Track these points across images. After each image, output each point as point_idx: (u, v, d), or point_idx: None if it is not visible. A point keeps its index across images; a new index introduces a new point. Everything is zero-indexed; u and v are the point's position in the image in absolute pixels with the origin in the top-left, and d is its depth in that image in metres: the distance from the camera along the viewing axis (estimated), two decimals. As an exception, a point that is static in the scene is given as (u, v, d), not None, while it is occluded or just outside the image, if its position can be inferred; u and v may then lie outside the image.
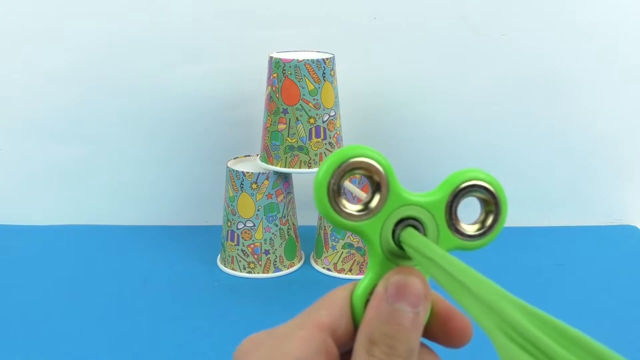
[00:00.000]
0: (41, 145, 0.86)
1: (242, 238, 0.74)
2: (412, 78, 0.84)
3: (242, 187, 0.72)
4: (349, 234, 0.73)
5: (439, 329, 0.25)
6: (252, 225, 0.73)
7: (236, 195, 0.73)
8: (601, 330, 0.63)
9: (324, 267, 0.76)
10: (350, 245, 0.74)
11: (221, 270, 0.76)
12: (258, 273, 0.74)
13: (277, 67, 0.70)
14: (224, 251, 0.76)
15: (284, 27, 0.81)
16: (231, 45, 0.82)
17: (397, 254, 0.25)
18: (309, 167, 0.72)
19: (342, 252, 0.74)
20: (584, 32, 0.83)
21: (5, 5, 0.79)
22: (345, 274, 0.75)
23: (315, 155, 0.72)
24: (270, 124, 0.72)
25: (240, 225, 0.73)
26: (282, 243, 0.75)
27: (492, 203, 0.26)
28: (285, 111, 0.71)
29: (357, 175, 0.25)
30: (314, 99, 0.70)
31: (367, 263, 0.74)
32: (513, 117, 0.87)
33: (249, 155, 0.80)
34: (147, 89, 0.83)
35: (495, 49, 0.83)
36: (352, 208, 0.25)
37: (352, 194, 0.72)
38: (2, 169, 0.86)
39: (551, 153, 0.89)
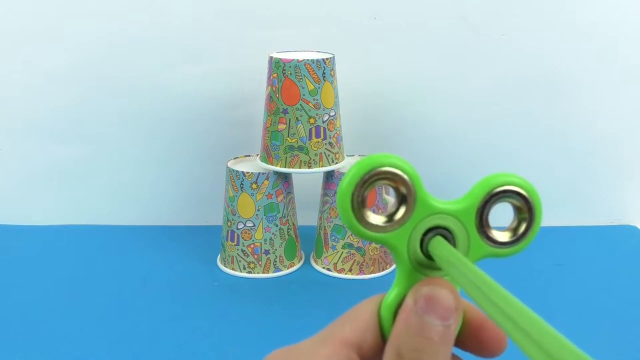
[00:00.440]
0: (41, 145, 0.86)
1: (242, 238, 0.74)
2: (412, 78, 0.84)
3: (242, 187, 0.72)
4: (348, 233, 0.73)
5: (472, 339, 0.24)
6: (252, 225, 0.73)
7: (236, 195, 0.73)
8: (601, 330, 0.63)
9: (324, 267, 0.76)
10: (350, 245, 0.74)
11: (221, 270, 0.76)
12: (258, 273, 0.74)
13: (277, 67, 0.70)
14: (224, 251, 0.76)
15: (284, 27, 0.81)
16: (231, 45, 0.82)
17: (426, 265, 0.24)
18: (309, 167, 0.72)
19: (342, 252, 0.74)
20: (584, 32, 0.83)
21: (5, 5, 0.79)
22: (345, 274, 0.75)
23: (316, 155, 0.72)
24: (270, 124, 0.72)
25: (240, 225, 0.73)
26: (282, 243, 0.75)
27: (525, 210, 0.25)
28: (285, 111, 0.71)
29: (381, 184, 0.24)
30: (314, 99, 0.70)
31: (366, 263, 0.74)
32: (513, 117, 0.87)
33: (249, 155, 0.80)
34: (147, 89, 0.83)
35: (495, 49, 0.83)
36: (376, 220, 0.24)
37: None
38: (2, 169, 0.86)
39: (551, 153, 0.89)
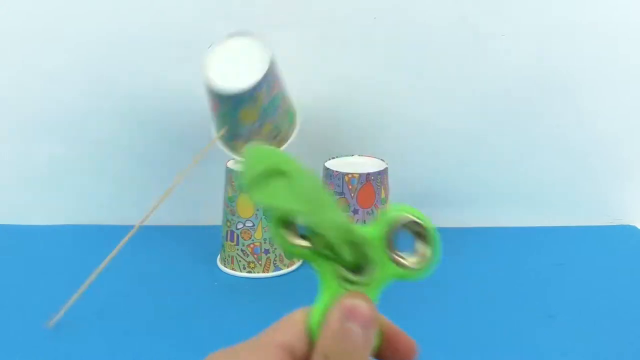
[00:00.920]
0: (41, 145, 0.86)
1: (242, 238, 0.74)
2: (412, 78, 0.84)
3: (242, 187, 0.72)
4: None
5: (387, 349, 0.28)
6: (251, 225, 0.73)
7: (235, 196, 0.73)
8: (601, 330, 0.63)
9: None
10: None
11: (221, 271, 0.76)
12: (258, 272, 0.74)
13: None
14: (224, 251, 0.76)
15: (284, 27, 0.81)
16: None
17: (349, 280, 0.27)
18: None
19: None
20: (584, 32, 0.83)
21: (5, 5, 0.79)
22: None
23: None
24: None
25: (240, 225, 0.73)
26: None
27: (424, 235, 0.28)
28: None
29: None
30: None
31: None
32: (513, 117, 0.87)
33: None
34: (147, 89, 0.83)
35: (495, 49, 0.83)
36: (300, 242, 0.28)
37: None
38: (2, 169, 0.86)
39: (551, 153, 0.89)
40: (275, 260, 0.75)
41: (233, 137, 0.72)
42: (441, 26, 0.82)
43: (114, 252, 0.62)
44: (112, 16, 0.80)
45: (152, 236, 0.85)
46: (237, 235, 0.74)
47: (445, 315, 0.65)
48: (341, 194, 0.73)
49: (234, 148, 0.74)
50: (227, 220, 0.74)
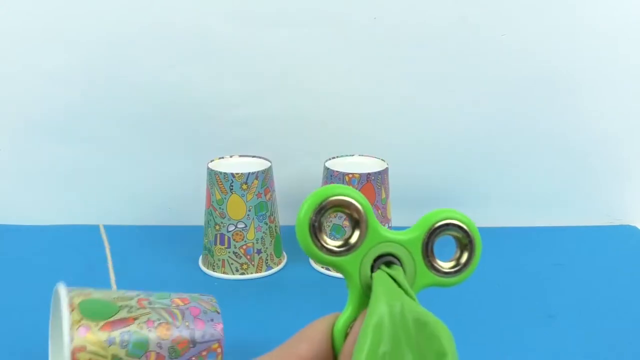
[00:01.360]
0: (41, 145, 0.86)
1: (234, 240, 0.73)
2: (412, 78, 0.84)
3: (232, 189, 0.71)
4: (348, 233, 0.73)
5: None
6: (243, 226, 0.73)
7: (225, 198, 0.72)
8: (601, 330, 0.63)
9: (323, 267, 0.76)
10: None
11: (210, 276, 0.75)
12: (252, 273, 0.74)
13: None
14: (212, 256, 0.75)
15: (284, 27, 0.81)
16: (231, 45, 0.82)
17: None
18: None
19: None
20: (584, 32, 0.83)
21: (5, 5, 0.79)
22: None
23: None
24: None
25: (232, 228, 0.73)
26: (271, 241, 0.75)
27: (466, 241, 0.28)
28: None
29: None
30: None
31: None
32: (513, 117, 0.87)
33: (222, 157, 0.78)
34: (147, 89, 0.83)
35: (495, 49, 0.83)
36: (332, 244, 0.27)
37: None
38: (2, 169, 0.86)
39: (551, 153, 0.89)
40: (267, 259, 0.75)
41: None
42: (441, 26, 0.82)
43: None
44: (112, 16, 0.80)
45: (152, 236, 0.85)
46: (229, 238, 0.73)
47: (445, 315, 0.65)
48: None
49: None
50: (216, 224, 0.73)
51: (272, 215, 0.75)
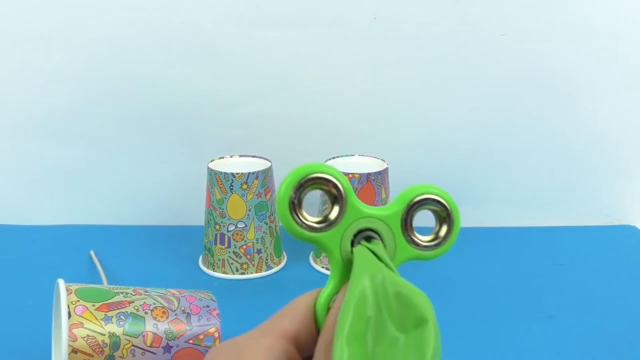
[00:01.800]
0: (41, 145, 0.86)
1: (234, 240, 0.73)
2: (412, 78, 0.84)
3: (232, 189, 0.71)
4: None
5: None
6: (243, 226, 0.73)
7: (225, 198, 0.72)
8: (601, 330, 0.63)
9: (323, 267, 0.76)
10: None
11: (210, 276, 0.75)
12: (251, 273, 0.74)
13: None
14: (212, 256, 0.75)
15: (284, 27, 0.81)
16: (231, 45, 0.82)
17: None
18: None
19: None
20: (583, 32, 0.83)
21: (5, 5, 0.79)
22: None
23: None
24: None
25: (232, 227, 0.73)
26: (271, 241, 0.75)
27: (444, 214, 0.28)
28: None
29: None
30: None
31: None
32: (513, 117, 0.87)
33: (222, 157, 0.78)
34: (147, 89, 0.83)
35: (495, 49, 0.83)
36: (312, 220, 0.27)
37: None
38: (2, 169, 0.86)
39: (551, 153, 0.89)
40: (267, 259, 0.75)
41: None
42: (441, 26, 0.82)
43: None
44: (112, 16, 0.80)
45: (152, 236, 0.85)
46: (229, 238, 0.73)
47: (444, 315, 0.65)
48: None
49: None
50: (216, 224, 0.74)
51: (272, 215, 0.75)
